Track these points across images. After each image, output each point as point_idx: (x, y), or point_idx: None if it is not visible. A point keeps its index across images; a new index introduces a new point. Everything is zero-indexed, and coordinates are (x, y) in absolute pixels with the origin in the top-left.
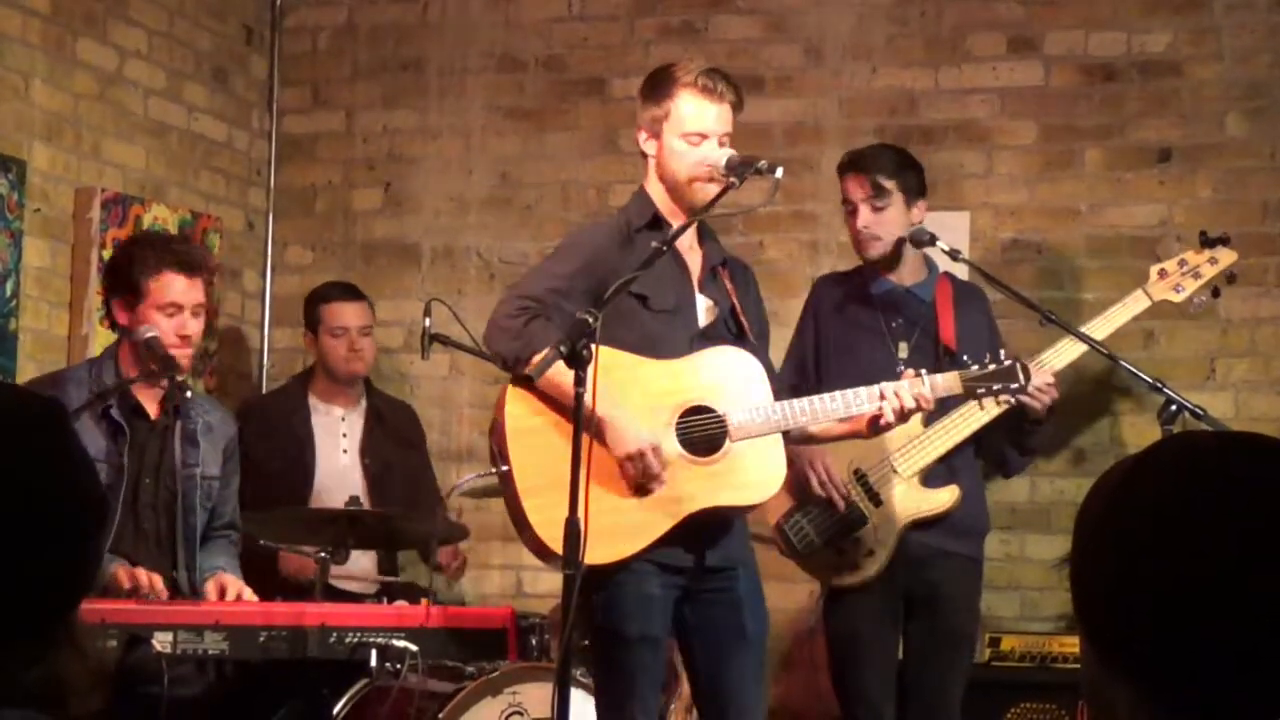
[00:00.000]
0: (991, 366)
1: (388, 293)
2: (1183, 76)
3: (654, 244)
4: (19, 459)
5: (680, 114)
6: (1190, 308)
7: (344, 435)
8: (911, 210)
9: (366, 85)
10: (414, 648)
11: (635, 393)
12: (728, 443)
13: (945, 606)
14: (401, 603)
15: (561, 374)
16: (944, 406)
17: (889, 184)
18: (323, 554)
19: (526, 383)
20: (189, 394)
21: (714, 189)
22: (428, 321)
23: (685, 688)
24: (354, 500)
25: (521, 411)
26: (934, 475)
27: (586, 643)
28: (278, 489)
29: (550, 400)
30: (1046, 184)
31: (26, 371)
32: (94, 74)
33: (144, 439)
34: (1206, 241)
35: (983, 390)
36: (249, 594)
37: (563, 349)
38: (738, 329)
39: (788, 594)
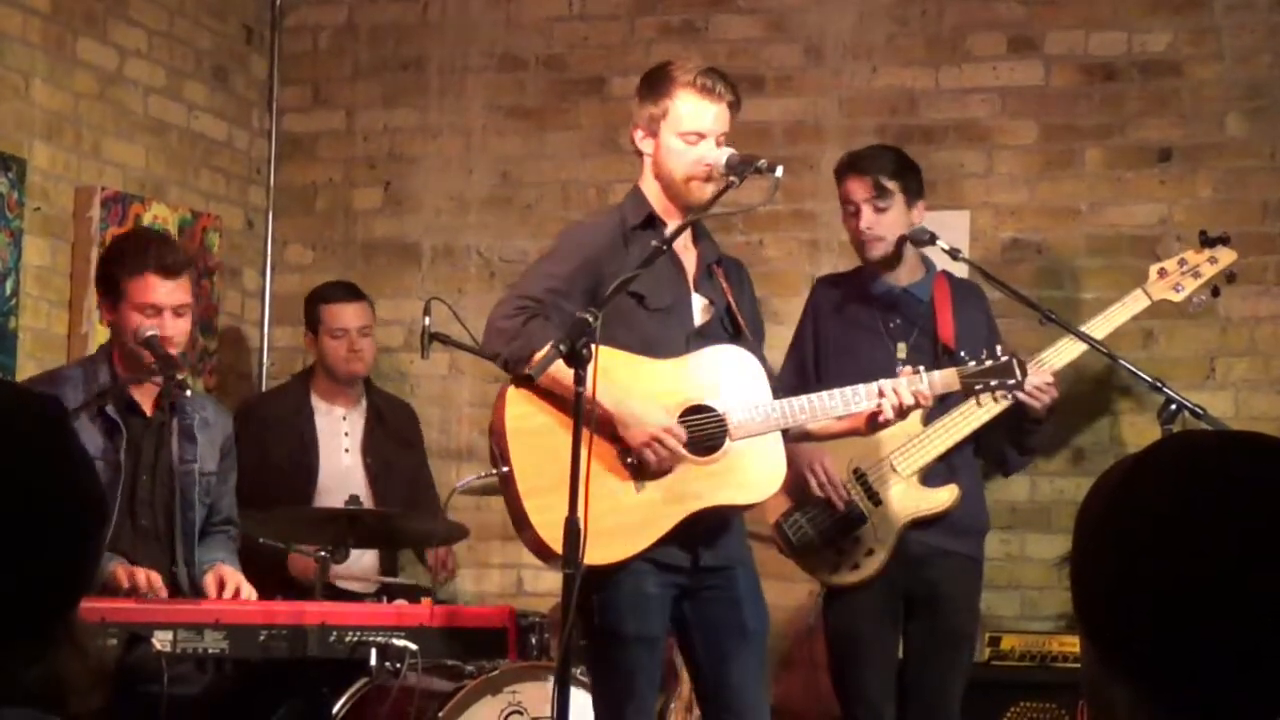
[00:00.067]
0: (988, 363)
1: (388, 292)
2: (1183, 76)
3: (654, 243)
4: (19, 458)
5: (678, 113)
6: (1190, 307)
7: (346, 435)
8: (912, 210)
9: (367, 84)
10: (414, 647)
11: (636, 392)
12: (728, 441)
13: (945, 606)
14: (401, 602)
15: (563, 371)
16: (943, 405)
17: (891, 185)
18: (322, 553)
19: (526, 383)
20: (188, 392)
21: (710, 189)
22: (428, 320)
23: (685, 687)
24: (354, 499)
25: (522, 412)
26: (933, 474)
27: (584, 642)
28: (281, 488)
29: (551, 400)
30: (1047, 183)
31: (26, 370)
32: (94, 73)
33: (140, 436)
34: (1206, 241)
35: (980, 387)
36: (247, 586)
37: (562, 348)
38: (734, 327)
39: (787, 593)
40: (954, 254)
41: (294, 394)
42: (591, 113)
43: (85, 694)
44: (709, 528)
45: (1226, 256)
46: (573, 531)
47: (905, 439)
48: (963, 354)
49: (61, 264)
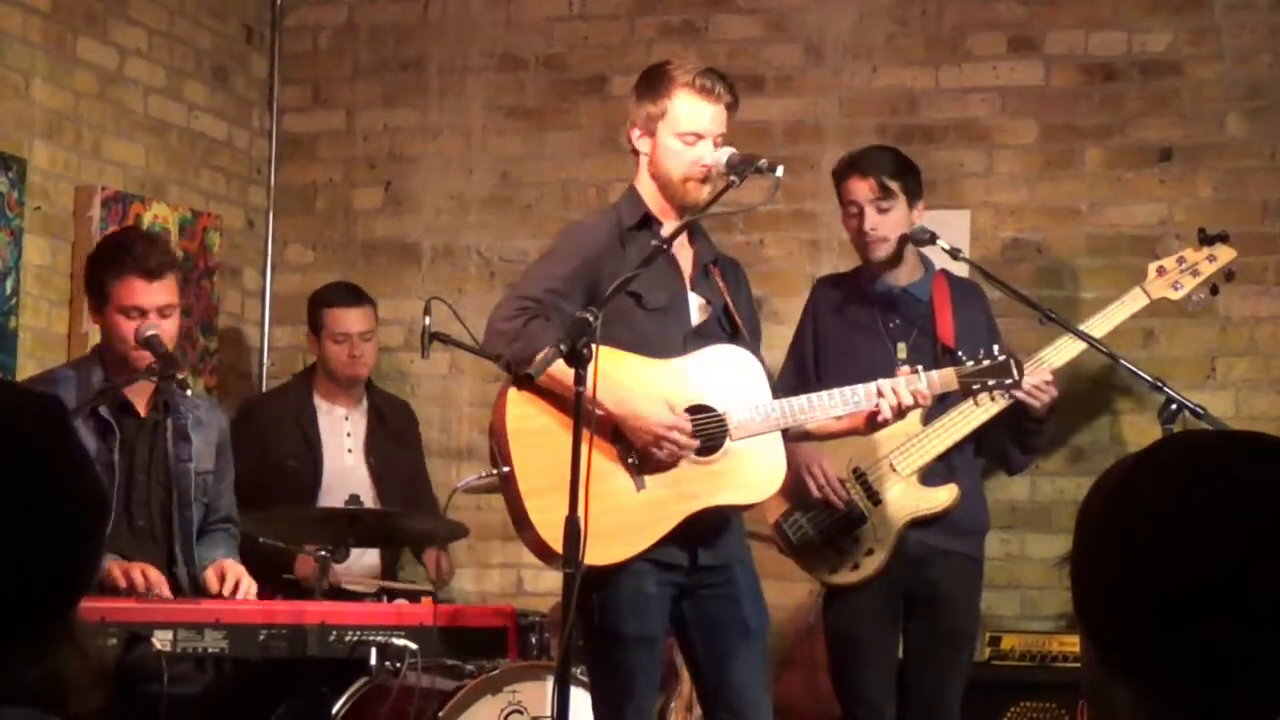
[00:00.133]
0: (986, 363)
1: (388, 291)
2: (1183, 76)
3: (654, 242)
4: (19, 458)
5: (676, 113)
6: (1189, 305)
7: (348, 435)
8: (913, 210)
9: (367, 84)
10: (414, 646)
11: (637, 390)
12: (728, 441)
13: (945, 605)
14: (401, 601)
15: (563, 371)
16: (943, 405)
17: (894, 185)
18: (322, 553)
19: (527, 383)
20: (188, 392)
21: (707, 189)
22: (428, 320)
23: (685, 686)
24: (354, 499)
25: (523, 413)
26: (933, 474)
27: (584, 642)
28: (285, 488)
29: (552, 400)
30: (1047, 183)
31: (26, 369)
32: (94, 72)
33: (134, 436)
34: (1205, 239)
35: (978, 387)
36: (247, 579)
37: (563, 347)
38: (731, 327)
39: (787, 592)
40: (954, 254)
41: (296, 394)
42: (591, 113)
43: (85, 693)
44: (709, 527)
45: (1225, 254)
46: (573, 531)
47: (905, 439)
48: (960, 354)
49: (61, 264)
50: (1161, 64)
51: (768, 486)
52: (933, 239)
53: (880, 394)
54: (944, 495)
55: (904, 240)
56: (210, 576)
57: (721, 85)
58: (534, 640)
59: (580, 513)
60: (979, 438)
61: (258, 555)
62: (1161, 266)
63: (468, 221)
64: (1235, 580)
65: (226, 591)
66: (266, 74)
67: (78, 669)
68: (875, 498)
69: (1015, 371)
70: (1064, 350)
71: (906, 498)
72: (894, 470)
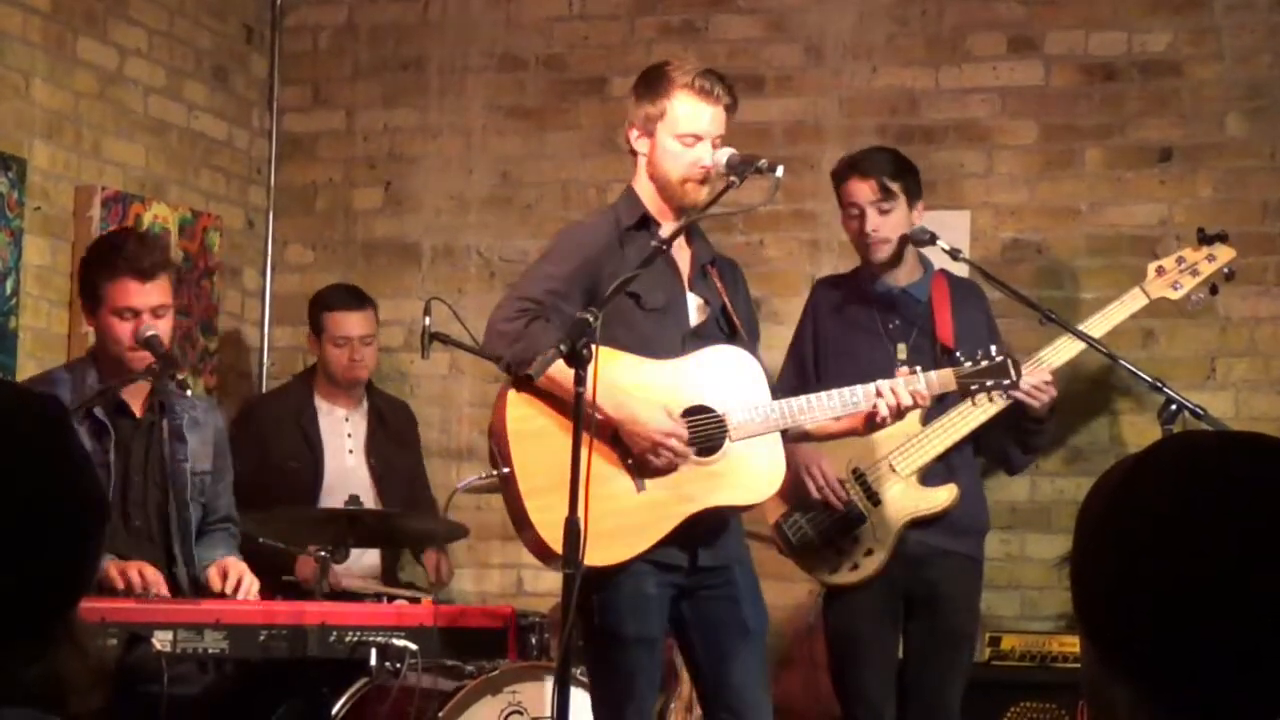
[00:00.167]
0: (984, 363)
1: (388, 292)
2: (1183, 76)
3: (653, 243)
4: (19, 458)
5: (675, 114)
6: (1188, 305)
7: (349, 435)
8: (913, 211)
9: (367, 84)
10: (414, 646)
11: (636, 394)
12: (727, 442)
13: (945, 606)
14: (401, 601)
15: (563, 372)
16: (942, 405)
17: (894, 186)
18: (322, 553)
19: (527, 384)
20: (188, 392)
21: (705, 191)
22: (428, 320)
23: (685, 687)
24: (354, 499)
25: (523, 414)
26: (932, 474)
27: (584, 643)
28: (286, 489)
29: (552, 401)
30: (1047, 183)
31: (26, 370)
32: (94, 72)
33: (129, 437)
34: (1204, 238)
35: (976, 387)
36: (249, 576)
37: (563, 348)
38: (729, 327)
39: (787, 592)
40: (954, 254)
41: (296, 395)
42: (591, 113)
43: (85, 693)
44: (708, 528)
45: (1225, 254)
46: (573, 532)
47: (904, 439)
48: (959, 355)
49: (61, 264)
50: (1161, 64)
51: (767, 487)
52: (933, 239)
53: (879, 394)
54: (943, 495)
55: (904, 241)
56: (213, 575)
57: (721, 87)
58: (534, 640)
59: (580, 513)
60: (978, 438)
61: (258, 556)
62: (1161, 266)
63: (468, 222)
64: (1235, 580)
65: (229, 589)
66: (266, 74)
67: (78, 669)
68: (875, 498)
69: (1013, 372)
70: (1063, 350)
71: (906, 498)
72: (893, 470)
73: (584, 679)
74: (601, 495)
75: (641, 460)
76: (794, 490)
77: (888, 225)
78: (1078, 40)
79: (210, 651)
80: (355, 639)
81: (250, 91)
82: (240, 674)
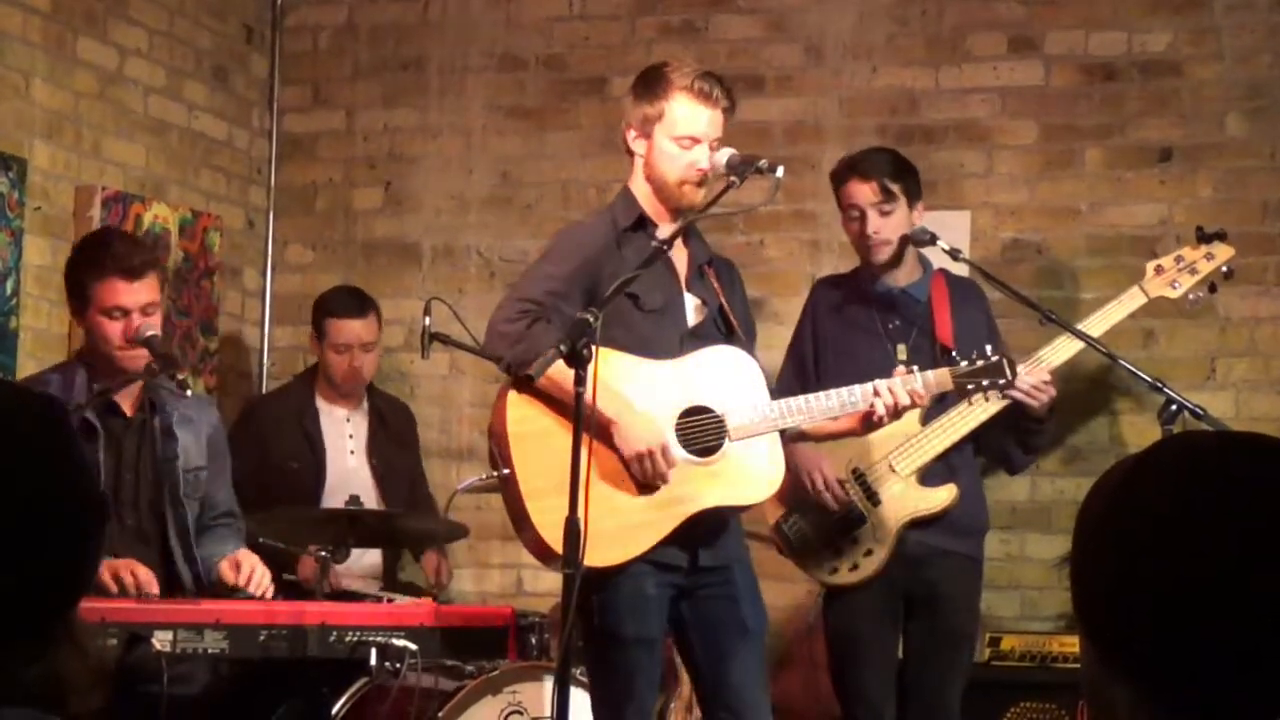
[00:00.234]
0: (979, 363)
1: (388, 292)
2: (1183, 76)
3: (654, 243)
4: (19, 458)
5: (674, 116)
6: (1186, 304)
7: (350, 436)
8: (913, 211)
9: (367, 84)
10: (414, 646)
11: (635, 393)
12: (727, 442)
13: (945, 606)
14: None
15: (564, 373)
16: (942, 405)
17: (894, 187)
18: (322, 553)
19: (527, 384)
20: (189, 393)
21: (702, 193)
22: (428, 320)
23: (685, 687)
24: (354, 500)
25: (523, 415)
26: (932, 474)
27: (584, 643)
28: (288, 489)
29: (552, 402)
30: (1047, 183)
31: (26, 369)
32: (94, 72)
33: (120, 436)
34: (1203, 237)
35: (972, 386)
36: (261, 568)
37: (563, 348)
38: (726, 327)
39: (787, 593)
40: (954, 254)
41: (298, 395)
42: (592, 113)
43: (85, 693)
44: (708, 528)
45: (1224, 252)
46: (573, 532)
47: (904, 439)
48: (955, 354)
49: (62, 264)
50: (1161, 64)
51: (766, 487)
52: (933, 240)
53: (877, 394)
54: (943, 495)
55: (905, 241)
56: (225, 569)
57: (720, 89)
58: (534, 641)
59: (580, 514)
60: (978, 438)
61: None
62: (1159, 265)
63: (468, 222)
64: (1235, 580)
65: (242, 582)
66: (267, 74)
67: (78, 669)
68: (874, 498)
69: (1008, 371)
70: (1062, 349)
71: (905, 498)
72: (893, 471)
73: (584, 679)
74: (602, 496)
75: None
76: (794, 491)
77: (889, 227)
78: (1078, 40)
79: (210, 651)
80: (355, 639)
81: (250, 91)
82: (240, 674)
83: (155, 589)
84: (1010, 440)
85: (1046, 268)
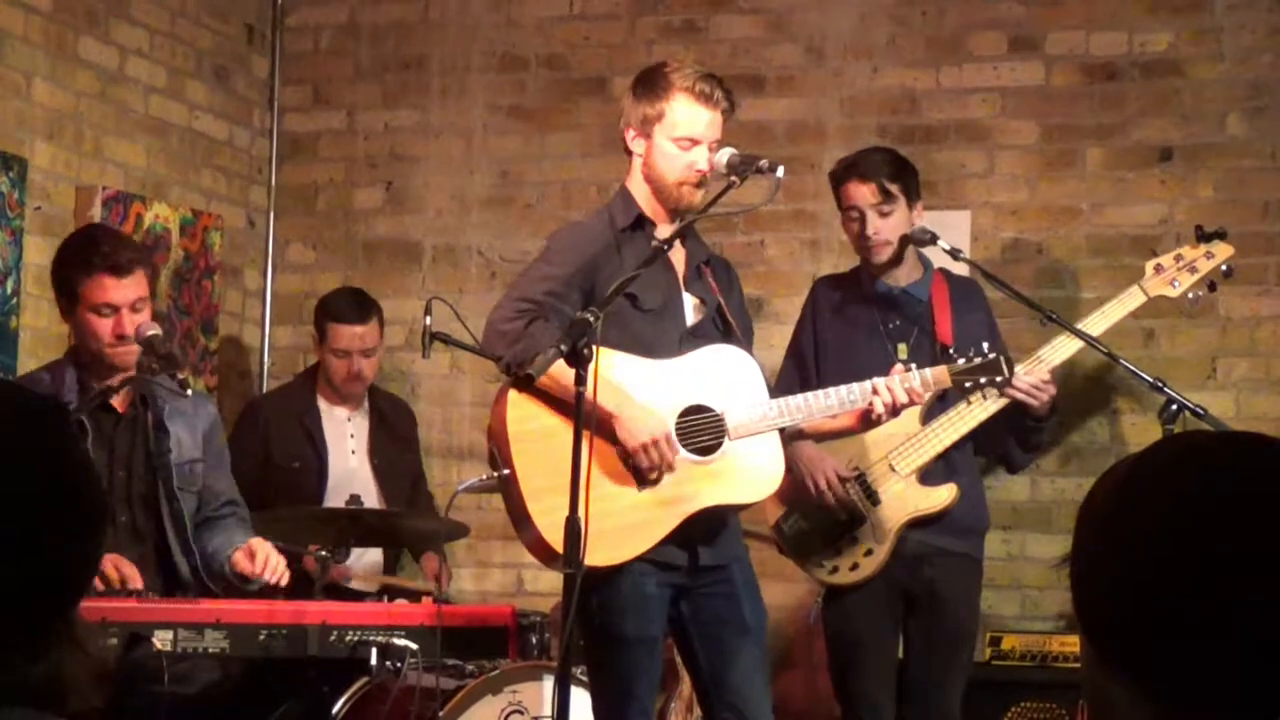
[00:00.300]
0: (976, 360)
1: (389, 291)
2: (1184, 76)
3: (654, 243)
4: (20, 458)
5: (674, 117)
6: (1186, 302)
7: (351, 436)
8: (912, 211)
9: (368, 84)
10: (414, 646)
11: (635, 391)
12: (726, 441)
13: (945, 605)
14: (402, 601)
15: (564, 371)
16: (942, 404)
17: (894, 188)
18: (322, 553)
19: (527, 384)
20: (189, 392)
21: (700, 194)
22: (429, 320)
23: (685, 686)
24: (354, 499)
25: (523, 415)
26: (932, 473)
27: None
28: (290, 488)
29: (552, 402)
30: (1047, 183)
31: (26, 369)
32: (95, 72)
33: (111, 433)
34: (1202, 236)
35: (969, 384)
36: (276, 555)
37: (563, 348)
38: (724, 327)
39: (788, 592)
40: (955, 254)
41: (299, 394)
42: (592, 112)
43: (85, 693)
44: (708, 527)
45: (1223, 251)
46: (573, 532)
47: (904, 438)
48: (951, 352)
49: None
50: (1162, 64)
51: (766, 486)
52: (933, 239)
53: (875, 392)
54: (943, 495)
55: (905, 241)
56: (240, 560)
57: (720, 91)
58: (534, 640)
59: (581, 513)
60: (977, 437)
61: None
62: (1159, 264)
63: (469, 221)
64: (1235, 580)
65: (258, 570)
66: (268, 74)
67: (78, 668)
68: (874, 498)
69: (1005, 368)
70: (1062, 349)
71: (906, 497)
72: (893, 470)
73: (584, 679)
74: (602, 495)
75: (632, 459)
76: (794, 490)
77: (888, 227)
78: (1078, 40)
79: (210, 651)
80: (355, 638)
81: (251, 91)
82: (240, 673)
83: (140, 584)
84: (1010, 439)
85: (1047, 267)
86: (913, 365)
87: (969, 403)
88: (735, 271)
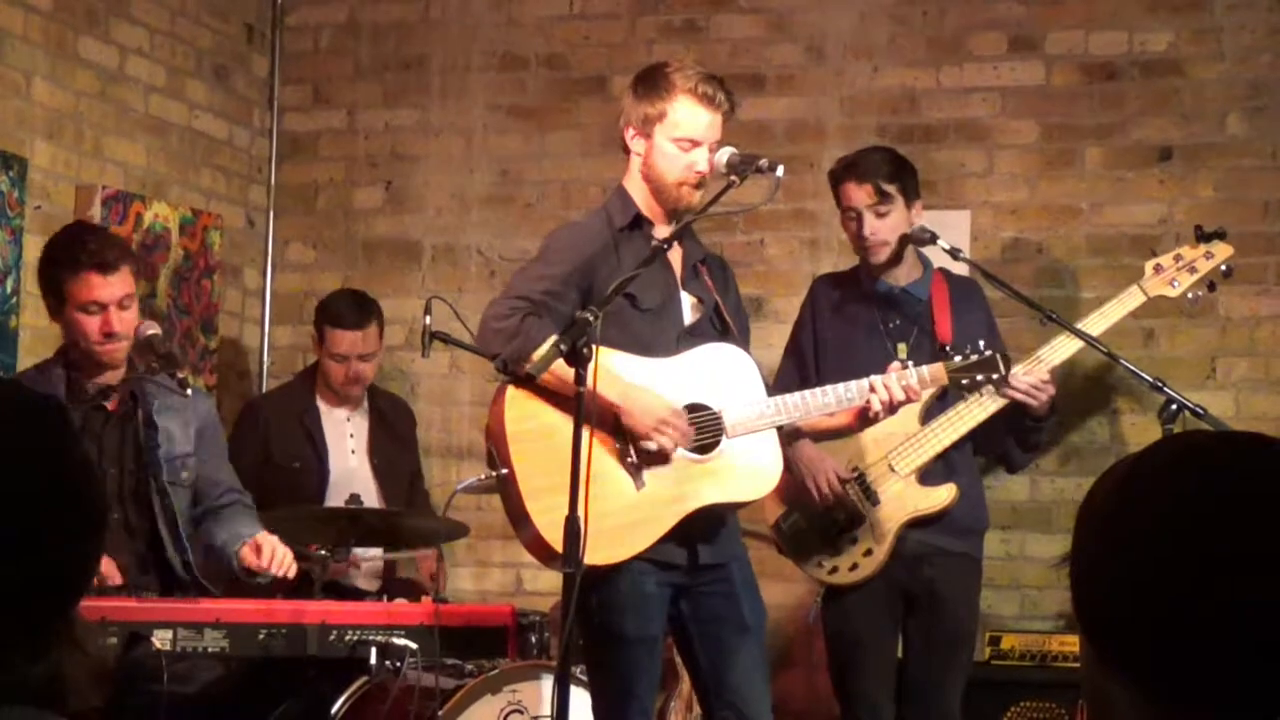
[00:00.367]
0: (973, 357)
1: (389, 290)
2: (1183, 76)
3: (654, 242)
4: (19, 457)
5: (675, 118)
6: (1186, 302)
7: (351, 436)
8: (911, 210)
9: (368, 83)
10: (414, 645)
11: (638, 385)
12: (724, 439)
13: (944, 605)
14: (401, 600)
15: (562, 369)
16: (941, 404)
17: (891, 188)
18: (322, 552)
19: (526, 382)
20: (189, 391)
21: (699, 194)
22: (428, 319)
23: (685, 685)
24: (354, 499)
25: (521, 414)
26: (931, 473)
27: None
28: (290, 488)
29: (551, 400)
30: (1047, 183)
31: (26, 368)
32: (95, 71)
33: (100, 431)
34: (1202, 236)
35: (966, 381)
36: (283, 549)
37: (563, 346)
38: (721, 325)
39: (788, 592)
40: (954, 253)
41: (299, 394)
42: (593, 112)
43: (85, 692)
44: (707, 525)
45: (1223, 251)
46: (573, 531)
47: (903, 438)
48: (948, 349)
49: None
50: (1162, 64)
51: (764, 484)
52: (933, 239)
53: (873, 389)
54: (943, 494)
55: (904, 240)
56: (248, 555)
57: (722, 93)
58: (534, 640)
59: (580, 512)
60: (977, 437)
61: None
62: (1158, 264)
63: (468, 221)
64: (1234, 580)
65: (265, 564)
66: (267, 73)
67: (78, 668)
68: (874, 498)
69: (1002, 366)
70: (1061, 349)
71: (905, 497)
72: (892, 470)
73: (584, 678)
74: (601, 494)
75: (644, 443)
76: (793, 489)
77: (885, 228)
78: (1078, 40)
79: (210, 650)
80: (355, 638)
81: (251, 91)
82: (240, 673)
83: (119, 580)
84: (1009, 439)
85: (1046, 267)
86: (910, 362)
87: (969, 402)
88: (731, 270)
